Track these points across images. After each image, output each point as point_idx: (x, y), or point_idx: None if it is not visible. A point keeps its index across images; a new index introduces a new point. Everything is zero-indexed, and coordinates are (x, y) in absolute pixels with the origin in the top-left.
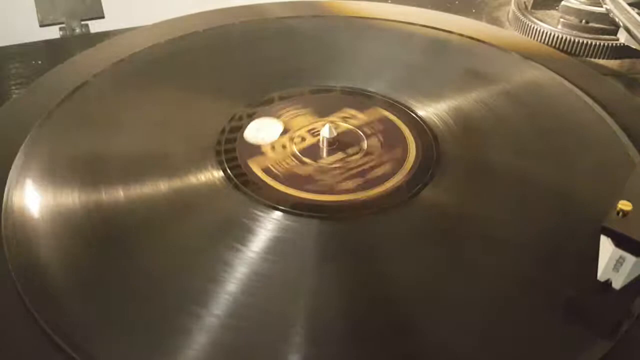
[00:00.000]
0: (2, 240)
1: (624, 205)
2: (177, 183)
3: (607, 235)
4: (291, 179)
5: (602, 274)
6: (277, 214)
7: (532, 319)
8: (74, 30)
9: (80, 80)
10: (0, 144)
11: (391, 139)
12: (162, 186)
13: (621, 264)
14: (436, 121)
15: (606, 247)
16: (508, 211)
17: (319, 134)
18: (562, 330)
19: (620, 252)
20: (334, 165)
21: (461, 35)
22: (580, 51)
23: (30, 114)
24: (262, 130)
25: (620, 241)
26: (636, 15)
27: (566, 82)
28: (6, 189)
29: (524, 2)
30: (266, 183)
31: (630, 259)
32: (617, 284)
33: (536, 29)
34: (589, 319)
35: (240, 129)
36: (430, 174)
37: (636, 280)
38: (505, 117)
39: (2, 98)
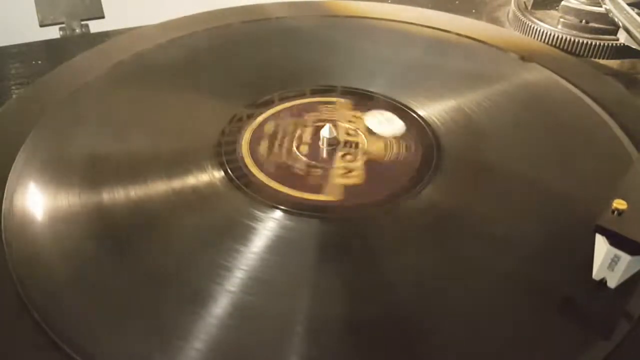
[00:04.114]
0: (2, 240)
1: (619, 204)
2: (177, 183)
3: (602, 234)
4: (291, 179)
5: (597, 272)
6: (278, 214)
7: (531, 319)
8: (74, 30)
9: (81, 81)
10: (0, 144)
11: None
12: (162, 186)
13: (616, 263)
14: (436, 121)
15: (601, 246)
16: (508, 211)
17: (319, 134)
18: (562, 330)
19: (615, 251)
20: (333, 165)
21: (461, 35)
22: (580, 51)
23: (30, 114)
24: (383, 123)
25: (615, 240)
26: (636, 16)
27: (566, 82)
28: (6, 188)
29: (524, 2)
30: (266, 183)
31: (625, 257)
32: (612, 282)
33: (536, 29)
34: (590, 319)
35: (240, 129)
36: (430, 174)
37: (631, 279)
38: (505, 116)
39: (2, 98)
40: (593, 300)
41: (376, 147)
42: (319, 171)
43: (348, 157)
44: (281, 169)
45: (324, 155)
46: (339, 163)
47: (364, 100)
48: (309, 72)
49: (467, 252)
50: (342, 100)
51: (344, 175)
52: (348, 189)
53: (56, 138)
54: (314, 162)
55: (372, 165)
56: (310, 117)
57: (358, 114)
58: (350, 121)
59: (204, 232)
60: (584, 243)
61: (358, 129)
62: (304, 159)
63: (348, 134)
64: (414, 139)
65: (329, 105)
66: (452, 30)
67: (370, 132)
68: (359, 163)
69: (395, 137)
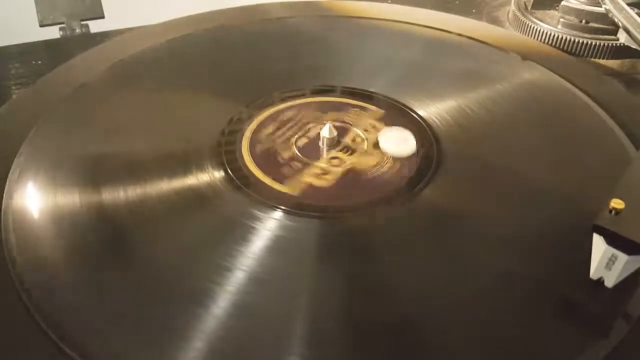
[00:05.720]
0: (2, 240)
1: (617, 203)
2: (177, 183)
3: (599, 233)
4: (272, 166)
5: (594, 272)
6: (278, 214)
7: (529, 319)
8: (74, 30)
9: (80, 81)
10: (0, 144)
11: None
12: (162, 186)
13: (613, 262)
14: (436, 121)
15: (599, 246)
16: (508, 211)
17: (319, 134)
18: (559, 330)
19: (613, 251)
20: (334, 165)
21: (461, 35)
22: (580, 51)
23: (30, 114)
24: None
25: (612, 239)
26: (635, 16)
27: (566, 82)
28: (6, 188)
29: (524, 2)
30: (266, 183)
31: (622, 257)
32: (610, 282)
33: (536, 29)
34: (587, 319)
35: (240, 130)
36: (430, 174)
37: (628, 278)
38: (505, 116)
39: (2, 98)
40: (590, 300)
41: (367, 161)
42: (297, 165)
43: (335, 160)
44: (270, 159)
45: (324, 154)
46: (321, 163)
47: (394, 113)
48: (309, 72)
49: (467, 252)
50: (374, 108)
51: (318, 175)
52: (311, 188)
53: (56, 138)
54: (300, 156)
55: (351, 175)
56: (323, 118)
57: (379, 125)
58: (365, 130)
59: (204, 232)
60: (582, 243)
61: (367, 139)
62: (295, 151)
63: (354, 140)
64: (413, 164)
65: (353, 110)
66: (452, 30)
67: (375, 146)
68: (339, 169)
69: (397, 158)
